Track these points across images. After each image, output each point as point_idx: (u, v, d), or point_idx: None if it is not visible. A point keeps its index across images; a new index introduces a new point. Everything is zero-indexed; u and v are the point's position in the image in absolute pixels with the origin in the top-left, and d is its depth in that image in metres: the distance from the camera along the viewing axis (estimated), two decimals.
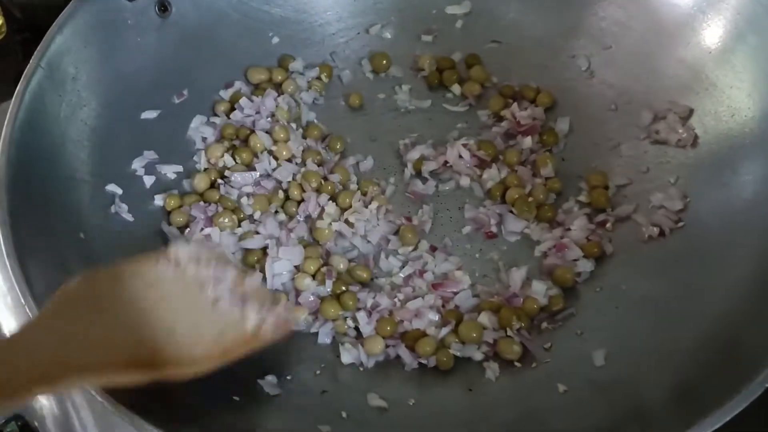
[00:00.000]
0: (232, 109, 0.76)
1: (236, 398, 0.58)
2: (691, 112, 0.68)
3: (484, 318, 0.63)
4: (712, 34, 0.67)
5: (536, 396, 0.58)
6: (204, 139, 0.74)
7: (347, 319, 0.64)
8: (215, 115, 0.76)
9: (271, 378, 0.60)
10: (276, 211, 0.71)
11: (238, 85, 0.77)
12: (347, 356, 0.62)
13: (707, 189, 0.65)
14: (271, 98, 0.76)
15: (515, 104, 0.75)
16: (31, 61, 0.63)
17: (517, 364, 0.61)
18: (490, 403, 0.59)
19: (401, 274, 0.67)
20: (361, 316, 0.63)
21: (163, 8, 0.73)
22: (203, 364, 0.50)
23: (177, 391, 0.57)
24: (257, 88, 0.78)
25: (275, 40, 0.80)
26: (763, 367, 0.47)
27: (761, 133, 0.62)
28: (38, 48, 0.64)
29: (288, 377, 0.61)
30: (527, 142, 0.73)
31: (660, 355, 0.56)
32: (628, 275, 0.64)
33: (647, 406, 0.52)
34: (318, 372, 0.62)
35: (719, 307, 0.56)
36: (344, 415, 0.58)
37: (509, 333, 0.62)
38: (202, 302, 0.51)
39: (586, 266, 0.65)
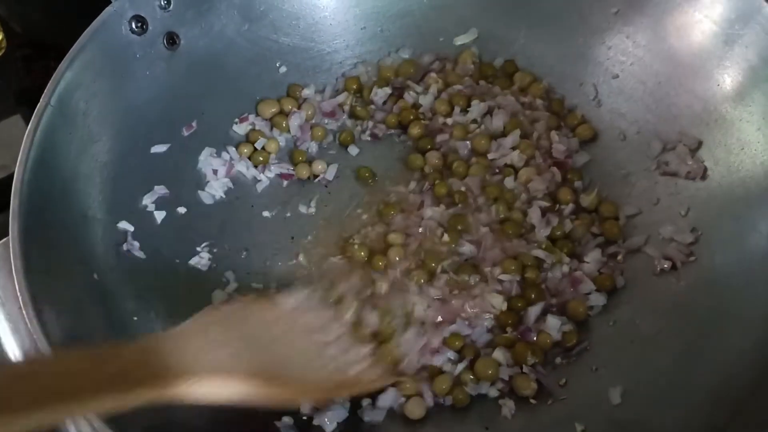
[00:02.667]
0: (254, 149, 0.76)
1: None
2: (700, 144, 0.69)
3: (499, 354, 0.63)
4: (722, 67, 0.68)
5: None
6: (215, 172, 0.74)
7: None
8: (225, 148, 0.76)
9: (287, 419, 0.60)
10: None
11: (252, 119, 0.77)
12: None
13: (720, 223, 0.65)
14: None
15: (553, 132, 0.75)
16: (41, 99, 0.63)
17: (532, 401, 0.61)
18: None
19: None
20: None
21: (172, 41, 0.72)
22: (311, 397, 0.58)
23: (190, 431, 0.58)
24: (271, 121, 0.78)
25: (282, 69, 0.80)
26: None
27: None
28: (48, 85, 0.63)
29: (304, 418, 0.61)
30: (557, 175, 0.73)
31: (678, 394, 0.56)
32: (641, 309, 0.64)
33: None
34: None
35: (736, 346, 0.56)
36: None
37: (524, 369, 0.62)
38: (311, 346, 0.57)
39: (598, 300, 0.66)
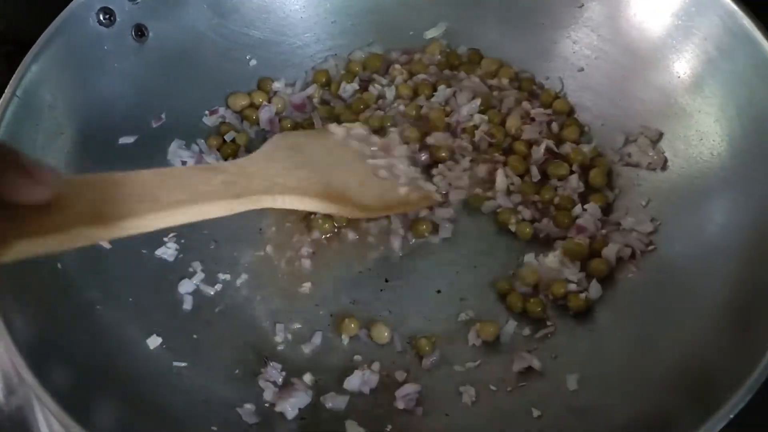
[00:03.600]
0: (223, 141, 0.77)
1: (214, 428, 0.58)
2: (661, 135, 0.70)
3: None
4: (682, 59, 0.69)
5: (511, 421, 0.59)
6: (183, 163, 0.75)
7: None
8: (194, 140, 0.76)
9: (249, 406, 0.61)
10: None
11: (222, 111, 0.78)
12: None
13: (679, 213, 0.66)
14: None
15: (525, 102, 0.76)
16: (6, 90, 0.63)
17: (492, 387, 0.62)
18: (467, 429, 0.60)
19: None
20: None
21: (140, 33, 0.73)
22: (373, 211, 0.66)
23: (156, 420, 0.58)
24: (241, 114, 0.79)
25: (253, 62, 0.80)
26: (729, 398, 0.48)
27: (730, 159, 0.64)
28: (14, 77, 0.64)
29: (266, 405, 0.61)
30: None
31: (633, 381, 0.57)
32: (600, 298, 0.65)
33: None
34: None
35: (691, 335, 0.57)
36: None
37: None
38: (364, 168, 0.67)
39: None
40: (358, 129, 0.72)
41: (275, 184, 0.57)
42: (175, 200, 0.48)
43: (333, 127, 0.71)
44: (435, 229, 0.70)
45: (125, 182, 0.47)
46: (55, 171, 0.41)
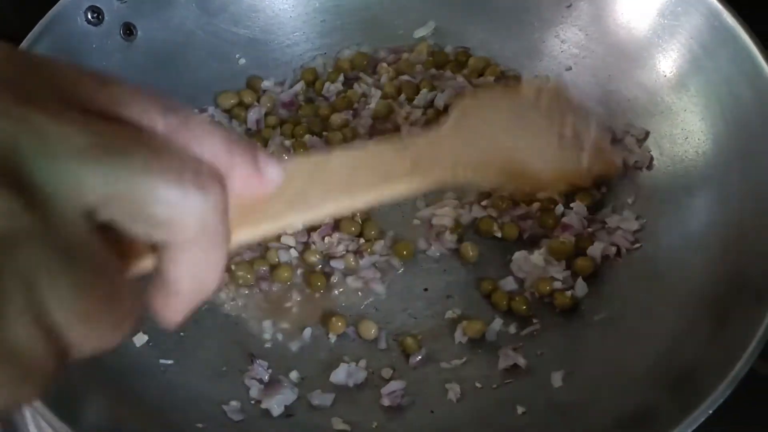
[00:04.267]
0: None
1: (199, 425, 0.58)
2: (647, 134, 0.70)
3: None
4: (668, 58, 0.69)
5: (496, 418, 0.59)
6: None
7: None
8: None
9: (235, 403, 0.61)
10: None
11: (211, 111, 0.78)
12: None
13: (663, 210, 0.66)
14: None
15: None
16: None
17: (478, 384, 0.62)
18: (453, 425, 0.60)
19: None
20: None
21: (129, 32, 0.73)
22: (550, 185, 0.64)
23: (142, 417, 0.58)
24: (230, 113, 0.79)
25: (242, 61, 0.80)
26: (711, 392, 0.48)
27: (714, 157, 0.64)
28: None
29: (252, 402, 0.62)
30: None
31: (616, 378, 0.58)
32: (586, 296, 0.65)
33: (597, 431, 0.54)
34: None
35: (673, 330, 0.57)
36: None
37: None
38: (550, 135, 0.60)
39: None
40: (552, 84, 0.68)
41: (459, 161, 0.53)
42: (367, 183, 0.45)
43: (526, 85, 0.69)
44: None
45: (325, 166, 0.44)
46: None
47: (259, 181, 0.35)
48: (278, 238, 0.69)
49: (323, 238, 0.70)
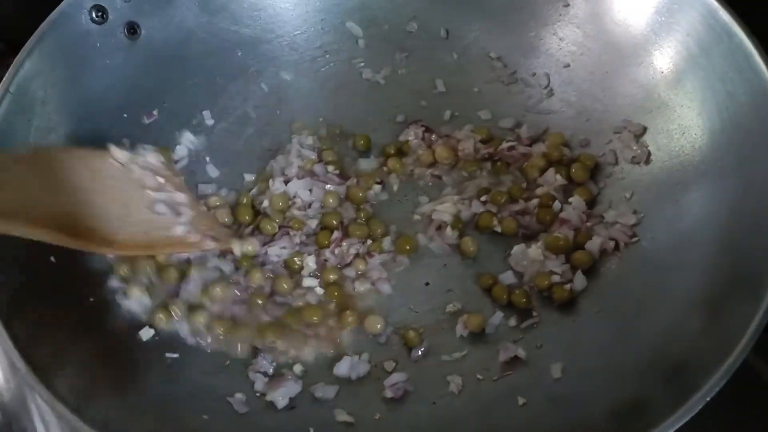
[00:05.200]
0: None
1: (205, 417, 0.59)
2: (644, 130, 0.71)
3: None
4: (664, 54, 0.70)
5: (497, 409, 0.61)
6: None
7: None
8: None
9: (240, 395, 0.62)
10: None
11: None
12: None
13: (660, 205, 0.67)
14: None
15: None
16: None
17: (478, 376, 0.63)
18: (454, 417, 0.61)
19: None
20: None
21: (132, 31, 0.74)
22: (124, 249, 0.59)
23: (148, 409, 0.59)
24: None
25: (243, 59, 0.81)
26: (704, 384, 0.49)
27: (710, 152, 0.65)
28: (7, 73, 0.65)
29: (257, 395, 0.63)
30: None
31: (614, 370, 0.59)
32: (584, 289, 0.66)
33: (593, 422, 0.55)
34: None
35: (669, 322, 0.58)
36: (311, 431, 0.60)
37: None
38: (137, 200, 0.60)
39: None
40: (152, 157, 0.65)
41: (23, 207, 0.52)
42: None
43: (116, 151, 0.64)
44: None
45: None
46: None
47: None
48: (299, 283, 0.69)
49: (334, 251, 0.71)
